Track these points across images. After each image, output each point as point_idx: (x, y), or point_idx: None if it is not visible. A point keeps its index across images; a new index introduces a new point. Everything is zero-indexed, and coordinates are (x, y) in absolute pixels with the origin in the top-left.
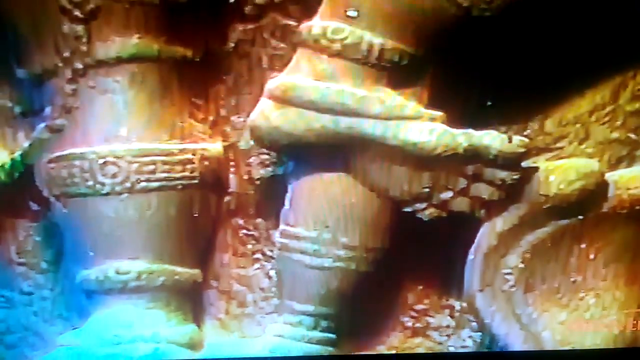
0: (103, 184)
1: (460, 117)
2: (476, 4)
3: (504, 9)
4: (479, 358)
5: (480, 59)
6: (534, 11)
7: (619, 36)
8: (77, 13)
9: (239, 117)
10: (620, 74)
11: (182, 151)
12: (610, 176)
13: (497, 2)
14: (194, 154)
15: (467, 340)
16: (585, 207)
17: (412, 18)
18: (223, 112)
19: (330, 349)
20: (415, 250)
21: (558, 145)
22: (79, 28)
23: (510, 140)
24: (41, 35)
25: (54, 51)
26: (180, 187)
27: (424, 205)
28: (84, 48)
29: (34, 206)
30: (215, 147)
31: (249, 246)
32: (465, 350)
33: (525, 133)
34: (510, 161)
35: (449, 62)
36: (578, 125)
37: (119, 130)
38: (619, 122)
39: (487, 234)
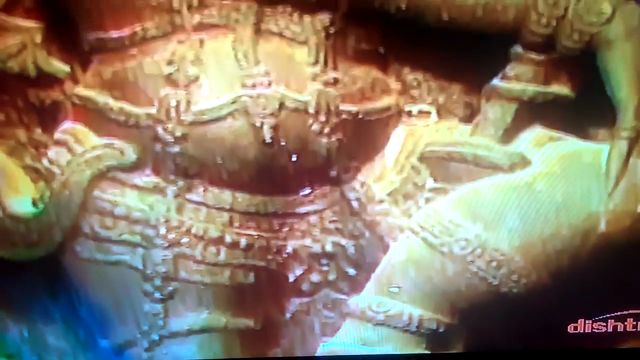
0: None
1: None
2: (504, 281)
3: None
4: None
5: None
6: None
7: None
8: (157, 295)
9: None
10: None
11: None
12: None
13: (522, 281)
14: None
15: None
16: None
17: (447, 295)
18: None
19: None
20: None
21: None
22: (158, 307)
23: None
24: (123, 313)
25: (134, 325)
26: None
27: None
28: (161, 323)
29: None
30: None
31: None
32: None
33: None
34: None
35: (483, 328)
36: None
37: None
38: None
39: None
